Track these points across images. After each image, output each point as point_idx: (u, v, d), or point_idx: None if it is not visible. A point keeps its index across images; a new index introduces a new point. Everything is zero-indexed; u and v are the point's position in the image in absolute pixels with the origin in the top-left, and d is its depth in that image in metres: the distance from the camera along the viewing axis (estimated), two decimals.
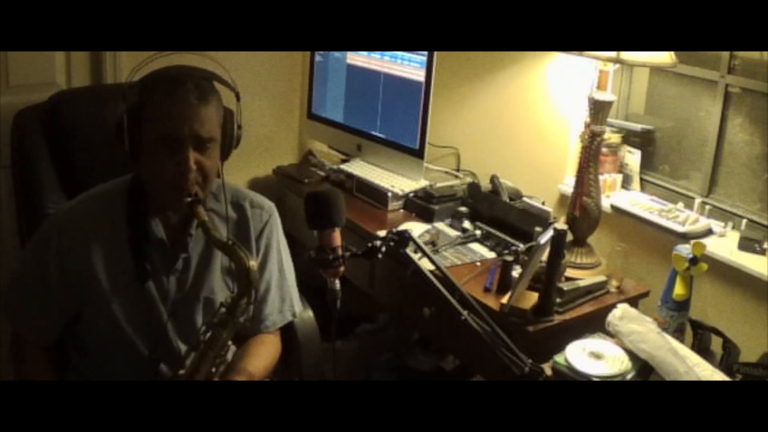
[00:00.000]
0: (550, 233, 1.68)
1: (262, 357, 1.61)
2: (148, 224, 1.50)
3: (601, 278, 1.88)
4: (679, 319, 1.73)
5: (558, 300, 1.75)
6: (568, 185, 2.20)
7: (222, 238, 1.45)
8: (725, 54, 1.95)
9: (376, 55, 2.45)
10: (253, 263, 1.44)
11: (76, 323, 1.54)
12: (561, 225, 1.77)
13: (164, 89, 1.41)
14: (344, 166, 2.51)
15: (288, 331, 1.80)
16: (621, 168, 2.22)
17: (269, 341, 1.67)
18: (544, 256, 1.73)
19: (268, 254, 1.64)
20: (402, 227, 1.42)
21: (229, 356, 1.58)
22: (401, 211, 2.33)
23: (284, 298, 1.68)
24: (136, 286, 1.49)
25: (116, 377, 1.49)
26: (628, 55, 1.76)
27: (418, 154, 2.33)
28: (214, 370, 1.44)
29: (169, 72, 1.45)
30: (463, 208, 2.20)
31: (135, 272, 1.49)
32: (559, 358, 1.50)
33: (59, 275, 1.49)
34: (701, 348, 1.66)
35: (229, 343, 1.47)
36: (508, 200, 2.17)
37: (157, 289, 1.51)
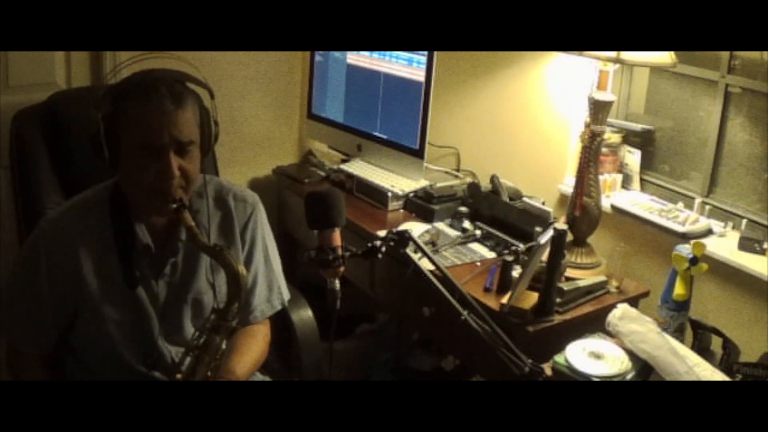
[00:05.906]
0: (550, 233, 1.68)
1: (250, 352, 1.62)
2: (134, 230, 1.49)
3: (601, 278, 1.88)
4: (679, 319, 1.73)
5: (558, 300, 1.75)
6: (568, 185, 2.20)
7: (209, 243, 1.44)
8: (725, 54, 1.95)
9: (376, 55, 2.44)
10: (242, 268, 1.44)
11: (69, 333, 1.53)
12: (561, 225, 1.77)
13: (139, 98, 1.38)
14: (344, 166, 2.51)
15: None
16: (621, 168, 2.22)
17: (258, 332, 1.67)
18: (544, 256, 1.73)
19: (254, 246, 1.64)
20: (402, 227, 1.42)
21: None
22: (401, 211, 2.33)
23: (271, 288, 1.69)
24: (126, 292, 1.49)
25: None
26: (628, 55, 1.76)
27: (418, 154, 2.33)
28: (209, 373, 1.44)
29: (141, 78, 1.40)
30: (463, 208, 2.20)
31: (123, 279, 1.49)
32: (559, 358, 1.50)
33: (50, 285, 1.48)
34: (701, 348, 1.66)
35: (223, 345, 1.47)
36: (508, 200, 2.17)
37: (147, 295, 1.51)
